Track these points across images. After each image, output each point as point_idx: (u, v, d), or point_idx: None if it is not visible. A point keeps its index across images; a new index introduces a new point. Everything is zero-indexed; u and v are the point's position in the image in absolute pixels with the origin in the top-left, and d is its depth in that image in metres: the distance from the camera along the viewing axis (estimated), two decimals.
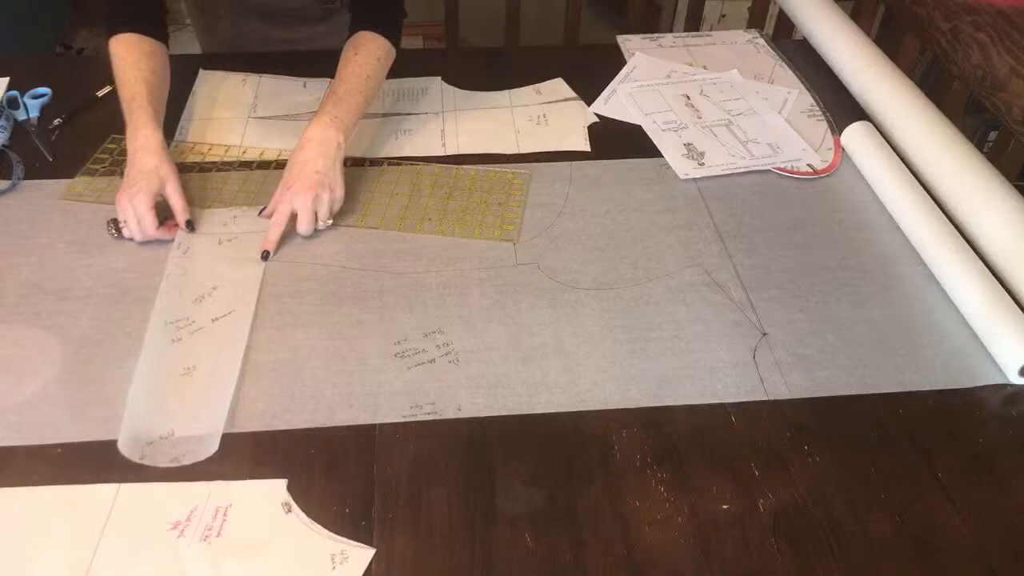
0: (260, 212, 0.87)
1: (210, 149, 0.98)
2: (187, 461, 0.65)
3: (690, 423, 0.69)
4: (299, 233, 0.85)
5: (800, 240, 0.87)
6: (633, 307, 0.79)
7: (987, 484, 0.66)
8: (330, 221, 0.86)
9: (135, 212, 0.82)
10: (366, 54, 0.95)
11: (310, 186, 0.84)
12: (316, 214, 0.84)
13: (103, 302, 0.78)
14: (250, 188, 0.92)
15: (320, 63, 1.06)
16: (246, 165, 0.95)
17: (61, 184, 0.91)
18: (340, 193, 0.86)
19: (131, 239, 0.83)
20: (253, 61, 1.12)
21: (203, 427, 0.67)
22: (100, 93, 1.06)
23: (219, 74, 1.10)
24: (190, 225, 0.84)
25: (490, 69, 1.14)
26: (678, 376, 0.73)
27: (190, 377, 0.71)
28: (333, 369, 0.72)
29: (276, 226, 0.84)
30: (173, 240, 0.84)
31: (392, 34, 0.98)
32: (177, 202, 0.84)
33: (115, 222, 0.84)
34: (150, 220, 0.82)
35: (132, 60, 0.91)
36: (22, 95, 1.02)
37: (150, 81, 0.90)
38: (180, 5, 1.11)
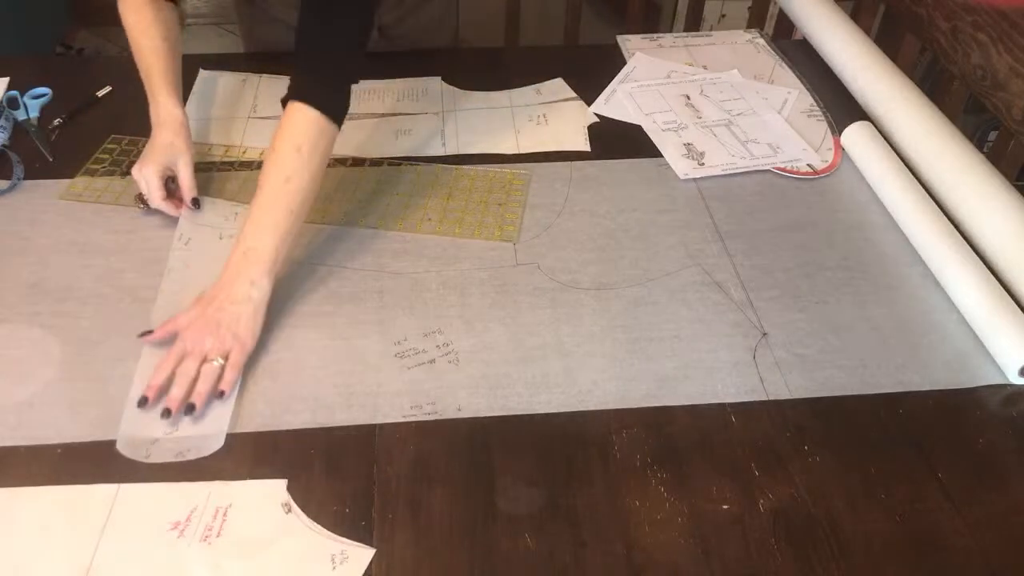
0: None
1: (210, 149, 0.98)
2: (192, 456, 0.65)
3: (690, 423, 0.69)
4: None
5: (800, 240, 0.87)
6: (633, 307, 0.79)
7: (987, 484, 0.65)
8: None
9: (145, 182, 0.85)
10: (284, 143, 0.76)
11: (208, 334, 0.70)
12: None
13: (103, 302, 0.78)
14: (250, 188, 0.91)
15: None
16: (246, 165, 0.95)
17: (61, 184, 0.91)
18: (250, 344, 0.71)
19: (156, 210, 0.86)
20: (255, 61, 1.12)
21: (206, 426, 0.67)
22: (100, 93, 1.05)
23: (219, 74, 1.10)
24: (196, 203, 0.86)
25: (490, 69, 1.14)
26: (678, 376, 0.73)
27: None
28: (333, 369, 0.72)
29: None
30: (179, 218, 0.86)
31: (331, 104, 0.78)
32: (185, 179, 0.86)
33: (141, 196, 0.87)
34: (156, 190, 0.84)
35: (143, 27, 0.91)
36: (22, 95, 1.02)
37: (162, 48, 0.91)
38: (183, 5, 1.11)
